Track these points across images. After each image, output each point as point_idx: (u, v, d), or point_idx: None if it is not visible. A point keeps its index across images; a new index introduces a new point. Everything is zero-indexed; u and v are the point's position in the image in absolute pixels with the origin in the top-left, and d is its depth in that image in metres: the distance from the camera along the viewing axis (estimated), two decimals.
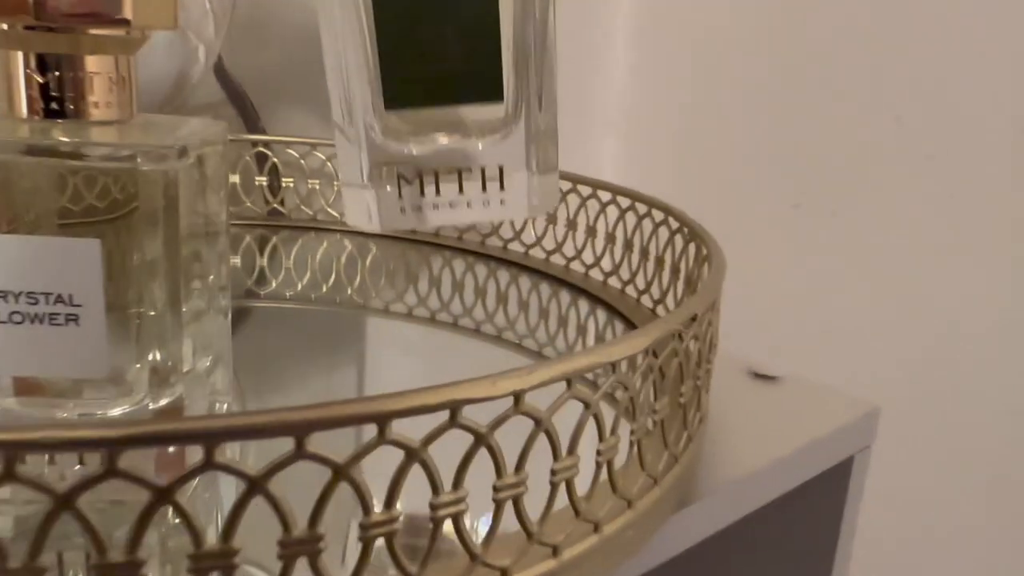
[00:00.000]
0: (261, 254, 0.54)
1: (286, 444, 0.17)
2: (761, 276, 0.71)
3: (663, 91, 0.78)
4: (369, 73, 0.25)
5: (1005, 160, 0.59)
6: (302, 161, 0.55)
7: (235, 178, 0.54)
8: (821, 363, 0.68)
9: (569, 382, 0.20)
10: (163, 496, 0.16)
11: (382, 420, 0.17)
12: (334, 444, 0.17)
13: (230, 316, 0.29)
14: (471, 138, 0.27)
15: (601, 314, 0.45)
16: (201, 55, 0.47)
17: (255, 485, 0.16)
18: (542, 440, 0.20)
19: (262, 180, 0.55)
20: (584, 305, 0.46)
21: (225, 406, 0.29)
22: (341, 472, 0.17)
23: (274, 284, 0.48)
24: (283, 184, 0.56)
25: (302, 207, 0.56)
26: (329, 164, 0.54)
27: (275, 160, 0.55)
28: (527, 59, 0.26)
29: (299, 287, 0.47)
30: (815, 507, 0.39)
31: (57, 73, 0.22)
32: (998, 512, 0.62)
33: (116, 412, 0.25)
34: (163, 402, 0.25)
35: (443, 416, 0.18)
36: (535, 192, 0.28)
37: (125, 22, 0.22)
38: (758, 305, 0.72)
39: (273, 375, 0.39)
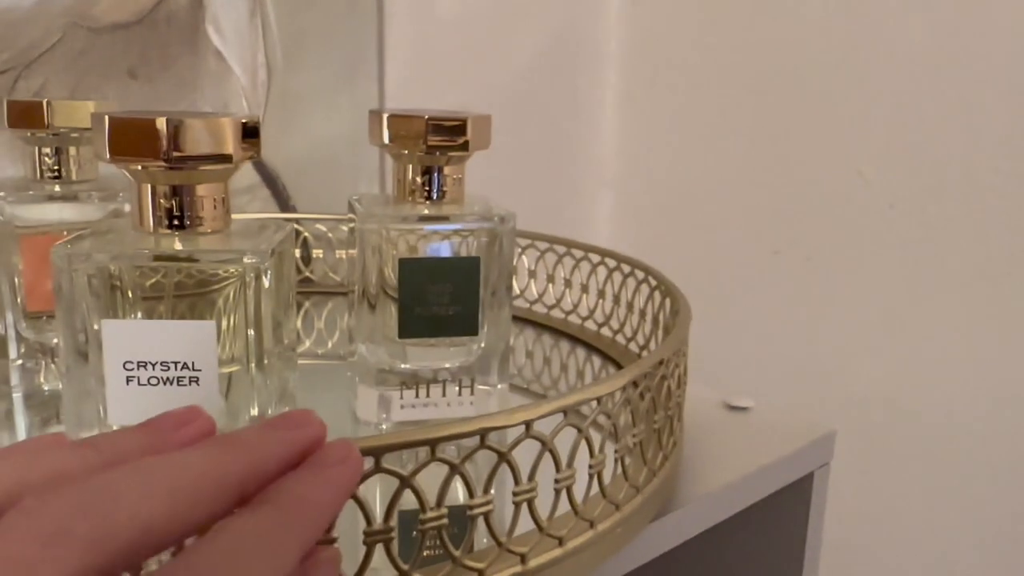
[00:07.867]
0: (296, 317, 0.61)
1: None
2: (745, 315, 0.79)
3: (652, 152, 0.86)
4: (385, 315, 0.38)
5: (959, 208, 0.66)
6: (329, 234, 0.63)
7: None
8: (802, 392, 0.76)
9: (529, 425, 0.27)
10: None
11: (433, 443, 0.25)
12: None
13: (297, 371, 0.36)
14: (452, 359, 0.40)
15: (596, 360, 0.52)
16: None
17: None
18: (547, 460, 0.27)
19: (296, 252, 0.62)
20: (581, 352, 0.53)
21: None
22: (406, 481, 0.24)
23: (307, 343, 0.56)
24: (313, 255, 0.63)
25: (330, 274, 0.64)
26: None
27: (306, 234, 0.62)
28: (494, 305, 0.39)
29: (329, 345, 0.54)
30: (784, 515, 0.46)
31: (176, 198, 0.30)
32: (955, 517, 0.69)
33: None
34: None
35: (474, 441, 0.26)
36: (494, 396, 0.41)
37: (228, 158, 0.29)
38: (743, 340, 0.79)
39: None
